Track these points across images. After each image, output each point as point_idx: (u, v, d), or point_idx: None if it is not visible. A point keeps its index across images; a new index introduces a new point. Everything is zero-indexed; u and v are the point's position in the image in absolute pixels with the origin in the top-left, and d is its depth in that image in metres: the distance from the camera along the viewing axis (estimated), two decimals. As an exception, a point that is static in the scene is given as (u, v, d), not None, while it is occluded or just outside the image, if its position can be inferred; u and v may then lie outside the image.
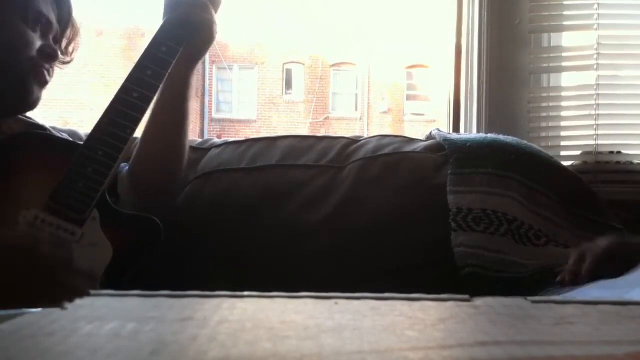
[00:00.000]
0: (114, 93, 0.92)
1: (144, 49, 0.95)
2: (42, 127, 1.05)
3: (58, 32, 1.01)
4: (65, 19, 1.03)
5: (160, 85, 0.93)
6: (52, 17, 0.99)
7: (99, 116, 0.91)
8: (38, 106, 0.98)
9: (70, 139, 1.05)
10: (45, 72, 0.96)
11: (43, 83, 0.96)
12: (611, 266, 0.84)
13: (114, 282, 0.85)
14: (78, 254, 0.83)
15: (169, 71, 0.94)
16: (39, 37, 0.96)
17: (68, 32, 1.04)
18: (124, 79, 0.92)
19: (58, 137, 1.02)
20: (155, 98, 0.94)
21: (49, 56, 0.96)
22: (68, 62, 1.05)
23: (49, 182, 0.86)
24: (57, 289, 0.78)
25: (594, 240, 0.92)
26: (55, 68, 1.02)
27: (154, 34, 0.97)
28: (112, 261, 0.86)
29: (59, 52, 0.99)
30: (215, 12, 1.02)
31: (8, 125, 0.99)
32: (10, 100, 0.96)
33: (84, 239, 0.85)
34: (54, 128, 1.10)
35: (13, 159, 0.90)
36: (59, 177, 0.86)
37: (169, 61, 0.93)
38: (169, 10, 0.98)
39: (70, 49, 1.05)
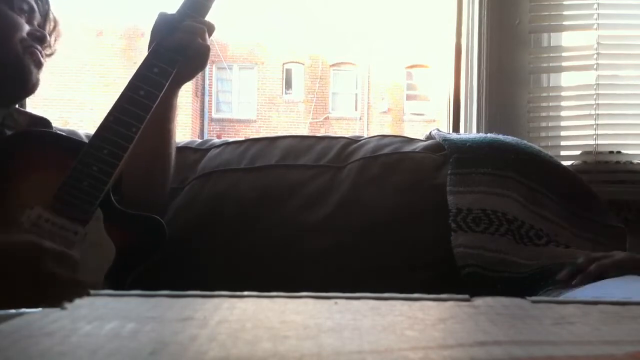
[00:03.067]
0: (119, 94, 0.92)
1: (151, 46, 0.95)
2: (45, 120, 1.05)
3: (40, 21, 1.01)
4: (44, 12, 1.03)
5: (167, 84, 0.93)
6: (34, 5, 1.00)
7: (105, 115, 0.90)
8: (38, 106, 0.98)
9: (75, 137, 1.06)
10: (39, 54, 0.97)
11: (39, 64, 0.97)
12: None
13: (118, 282, 0.85)
14: (81, 254, 0.83)
15: (174, 71, 0.93)
16: (25, 22, 0.97)
17: (48, 24, 1.04)
18: (130, 77, 0.92)
19: (63, 136, 1.01)
20: None
21: (39, 39, 0.97)
22: (50, 55, 1.04)
23: (54, 181, 0.86)
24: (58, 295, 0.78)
25: (609, 251, 0.92)
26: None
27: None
28: (115, 261, 0.86)
29: (48, 37, 1.00)
30: (209, 37, 0.99)
31: (12, 118, 0.99)
32: (11, 85, 0.96)
33: (88, 239, 0.85)
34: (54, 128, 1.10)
35: (18, 157, 0.90)
36: (64, 176, 0.86)
37: (175, 60, 0.93)
38: (164, 30, 0.96)
39: (51, 40, 1.04)
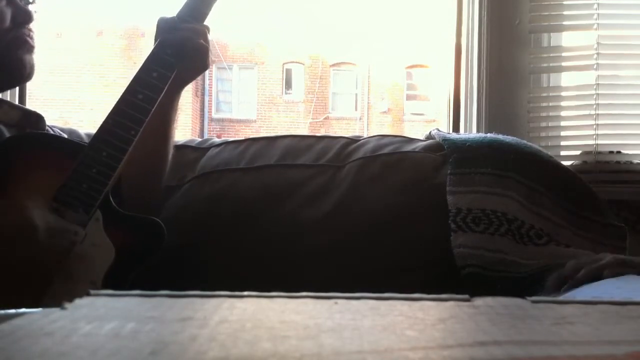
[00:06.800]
0: (119, 94, 0.91)
1: (150, 51, 0.95)
2: (38, 115, 1.04)
3: None
4: None
5: (165, 87, 0.93)
6: None
7: (104, 117, 0.91)
8: (38, 106, 0.98)
9: (74, 139, 1.06)
10: (29, 39, 0.95)
11: (30, 49, 0.95)
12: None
13: (117, 283, 0.86)
14: (80, 255, 0.84)
15: (172, 75, 0.93)
16: (6, 4, 0.93)
17: None
18: (130, 79, 0.92)
19: (62, 138, 1.02)
20: None
21: (25, 19, 0.94)
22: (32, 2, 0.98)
23: (53, 183, 0.86)
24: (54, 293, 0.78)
25: (597, 254, 0.92)
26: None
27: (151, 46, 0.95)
28: (114, 262, 0.86)
29: (33, 12, 0.95)
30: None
31: (4, 112, 0.99)
32: (6, 77, 0.97)
33: (87, 240, 0.85)
34: (53, 127, 1.10)
35: (18, 159, 0.90)
36: (63, 178, 0.86)
37: (172, 64, 0.93)
38: (165, 32, 0.96)
39: None
